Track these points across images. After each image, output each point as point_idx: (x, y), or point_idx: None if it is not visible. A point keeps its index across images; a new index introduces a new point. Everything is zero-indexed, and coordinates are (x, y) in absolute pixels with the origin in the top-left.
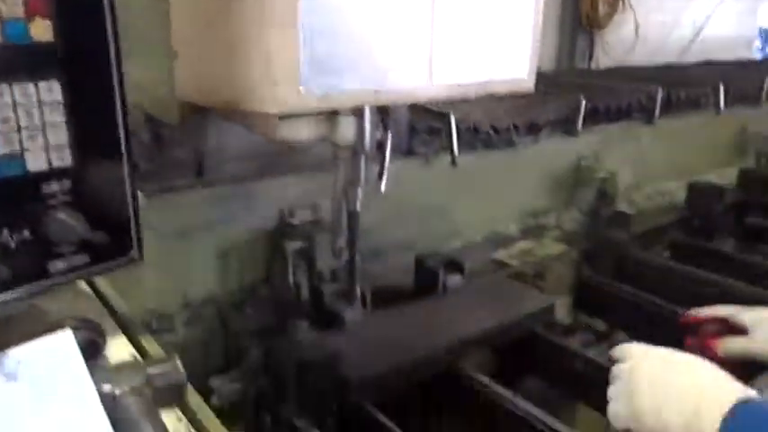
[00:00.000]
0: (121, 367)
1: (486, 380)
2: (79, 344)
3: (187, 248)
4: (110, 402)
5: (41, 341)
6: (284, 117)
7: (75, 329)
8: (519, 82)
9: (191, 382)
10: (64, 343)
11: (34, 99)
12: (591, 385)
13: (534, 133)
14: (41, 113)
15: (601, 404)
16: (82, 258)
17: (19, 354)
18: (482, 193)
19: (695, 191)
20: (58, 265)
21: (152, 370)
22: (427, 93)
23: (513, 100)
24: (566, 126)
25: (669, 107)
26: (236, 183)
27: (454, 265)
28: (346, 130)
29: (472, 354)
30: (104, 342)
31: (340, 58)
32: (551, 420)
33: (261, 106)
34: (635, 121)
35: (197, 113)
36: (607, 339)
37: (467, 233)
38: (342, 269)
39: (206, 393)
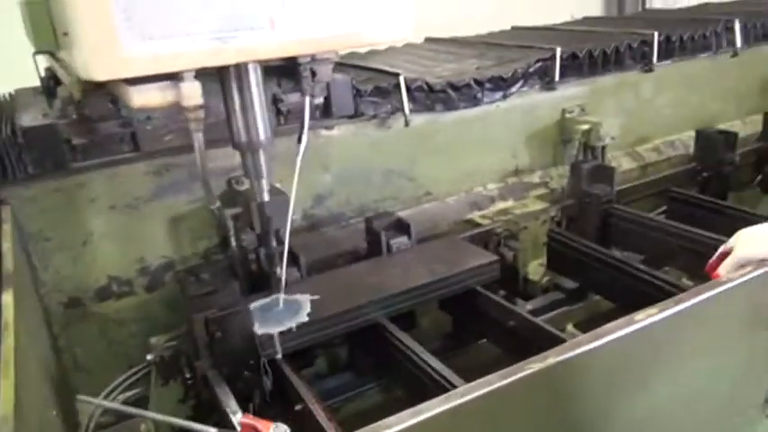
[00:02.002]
0: None
1: (398, 332)
2: None
3: (138, 218)
4: None
5: None
6: (135, 84)
7: None
8: (387, 32)
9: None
10: None
11: None
12: (525, 343)
13: (503, 89)
14: None
15: None
16: None
17: None
18: (451, 152)
19: (703, 139)
20: None
21: None
22: (273, 48)
23: (495, 54)
24: (544, 79)
25: (682, 50)
26: (176, 154)
27: (401, 227)
28: (191, 91)
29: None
30: None
31: (167, 14)
32: (442, 368)
33: (87, 73)
34: (629, 69)
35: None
36: (577, 300)
37: (437, 194)
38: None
39: None
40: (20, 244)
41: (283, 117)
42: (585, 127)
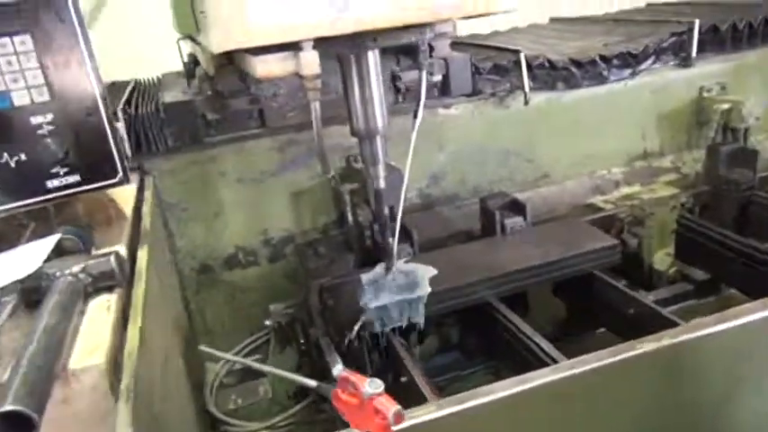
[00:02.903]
0: (67, 258)
1: (509, 313)
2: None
3: (262, 192)
4: (50, 280)
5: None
6: (258, 55)
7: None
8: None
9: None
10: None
11: (11, 50)
12: (642, 331)
13: (632, 66)
14: (18, 60)
15: None
16: (74, 178)
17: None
18: (572, 133)
19: None
20: (54, 182)
21: (90, 261)
22: (390, 17)
23: (624, 30)
24: (679, 55)
25: None
26: (298, 131)
27: (516, 208)
28: (309, 60)
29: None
30: (87, 246)
31: None
32: (552, 350)
33: (218, 45)
34: None
35: (227, 65)
36: (708, 294)
37: (556, 176)
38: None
39: None
40: (159, 212)
41: (401, 95)
42: (726, 106)
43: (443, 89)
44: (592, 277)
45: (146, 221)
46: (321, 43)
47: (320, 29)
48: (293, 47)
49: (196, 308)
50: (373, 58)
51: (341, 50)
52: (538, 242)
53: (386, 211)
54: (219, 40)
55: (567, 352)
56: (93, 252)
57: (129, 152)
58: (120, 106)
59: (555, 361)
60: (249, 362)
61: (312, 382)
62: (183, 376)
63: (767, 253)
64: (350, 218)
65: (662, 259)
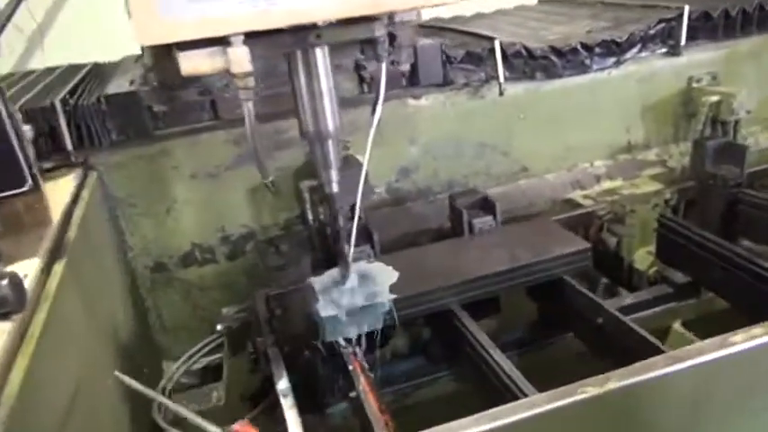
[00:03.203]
0: None
1: (469, 321)
2: None
3: (218, 187)
4: None
5: None
6: (183, 50)
7: None
8: None
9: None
10: None
11: None
12: (612, 344)
13: (616, 54)
14: None
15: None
16: None
17: None
18: (552, 125)
19: None
20: None
21: None
22: (327, 9)
23: (612, 14)
24: (667, 43)
25: None
26: (258, 122)
27: (486, 207)
28: (239, 57)
29: (505, 295)
30: None
31: None
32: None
33: (135, 37)
34: None
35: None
36: (687, 297)
37: (534, 170)
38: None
39: None
40: (106, 210)
41: (366, 85)
42: (715, 99)
43: (412, 79)
44: (562, 282)
45: (72, 230)
46: (254, 39)
47: (247, 23)
48: (223, 41)
49: (152, 306)
50: (322, 54)
51: (281, 48)
52: (506, 244)
53: (341, 214)
54: (136, 35)
55: (533, 360)
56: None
57: (70, 145)
58: (61, 96)
59: (510, 379)
60: (159, 397)
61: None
62: (116, 393)
63: (747, 258)
64: (310, 216)
65: (643, 258)
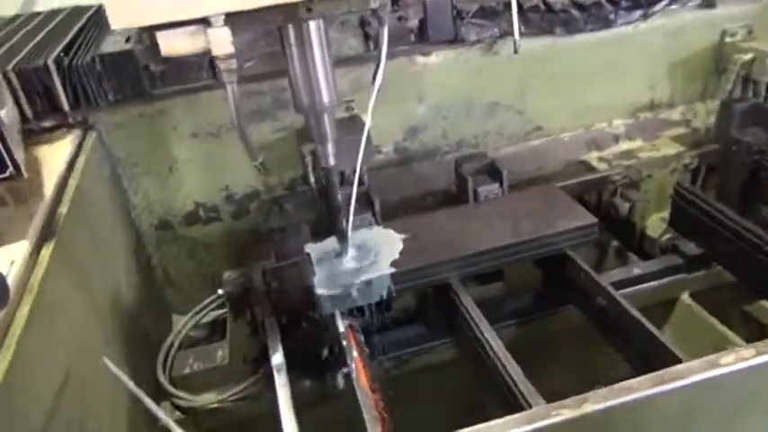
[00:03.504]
0: None
1: (465, 296)
2: None
3: (221, 146)
4: None
5: None
6: (161, 30)
7: None
8: None
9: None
10: None
11: None
12: (610, 320)
13: (644, 7)
14: None
15: (613, 347)
16: None
17: None
18: (570, 82)
19: None
20: None
21: None
22: None
23: None
24: None
25: None
26: (259, 81)
27: (492, 173)
28: (220, 38)
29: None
30: None
31: None
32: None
33: (111, 21)
34: None
35: None
36: (697, 269)
37: (549, 129)
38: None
39: None
40: (109, 168)
41: (372, 42)
42: (748, 57)
43: (420, 35)
44: (566, 256)
45: (64, 205)
46: (236, 17)
47: (224, 4)
48: (203, 20)
49: (158, 262)
50: (316, 26)
51: (267, 23)
52: (511, 215)
53: (338, 188)
54: (111, 16)
55: (531, 331)
56: None
57: (67, 106)
58: (54, 56)
59: (498, 358)
60: (141, 395)
61: None
62: (113, 359)
63: (758, 235)
64: (312, 179)
65: (656, 224)
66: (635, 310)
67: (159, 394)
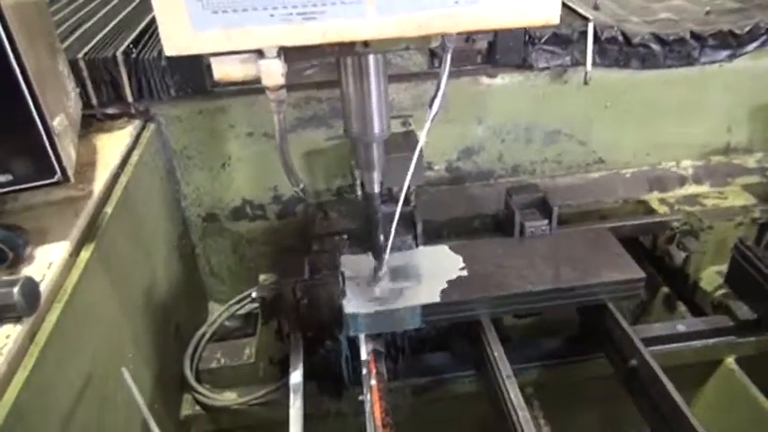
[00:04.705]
0: None
1: (493, 338)
2: None
3: (273, 147)
4: None
5: None
6: (215, 57)
7: None
8: (520, 15)
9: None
10: None
11: None
12: (639, 383)
13: (732, 48)
14: None
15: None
16: (5, 177)
17: None
18: (641, 116)
19: None
20: None
21: None
22: (369, 29)
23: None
24: None
25: None
26: (318, 88)
27: (542, 208)
28: (272, 70)
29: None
30: (17, 252)
31: None
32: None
33: (165, 48)
34: None
35: None
36: (748, 334)
37: (612, 163)
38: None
39: None
40: (164, 158)
41: (437, 59)
42: None
43: (488, 57)
44: (605, 308)
45: (110, 204)
46: (291, 50)
47: (277, 38)
48: (257, 50)
49: (202, 252)
50: (374, 60)
51: (322, 56)
52: (554, 256)
53: (380, 212)
54: (165, 44)
55: (558, 376)
56: (29, 252)
57: (130, 97)
58: (124, 47)
59: (517, 414)
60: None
61: None
62: (139, 355)
63: None
64: (359, 190)
65: (711, 278)
66: (665, 378)
67: (183, 386)
